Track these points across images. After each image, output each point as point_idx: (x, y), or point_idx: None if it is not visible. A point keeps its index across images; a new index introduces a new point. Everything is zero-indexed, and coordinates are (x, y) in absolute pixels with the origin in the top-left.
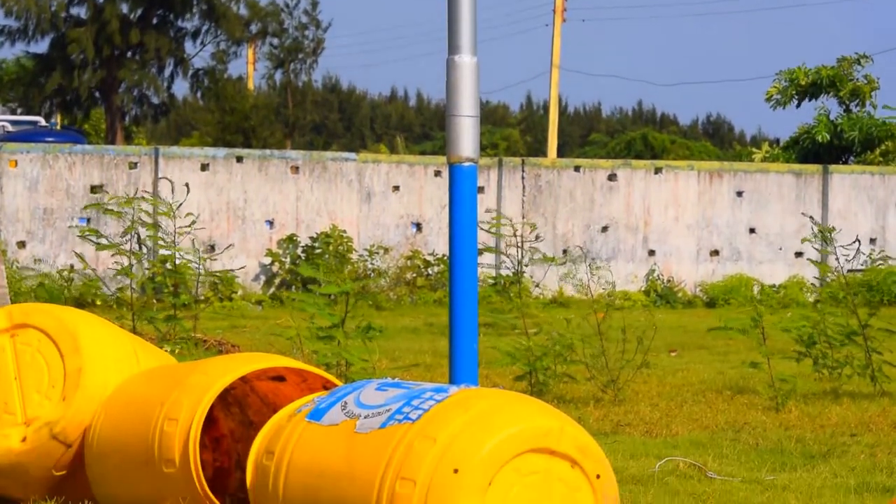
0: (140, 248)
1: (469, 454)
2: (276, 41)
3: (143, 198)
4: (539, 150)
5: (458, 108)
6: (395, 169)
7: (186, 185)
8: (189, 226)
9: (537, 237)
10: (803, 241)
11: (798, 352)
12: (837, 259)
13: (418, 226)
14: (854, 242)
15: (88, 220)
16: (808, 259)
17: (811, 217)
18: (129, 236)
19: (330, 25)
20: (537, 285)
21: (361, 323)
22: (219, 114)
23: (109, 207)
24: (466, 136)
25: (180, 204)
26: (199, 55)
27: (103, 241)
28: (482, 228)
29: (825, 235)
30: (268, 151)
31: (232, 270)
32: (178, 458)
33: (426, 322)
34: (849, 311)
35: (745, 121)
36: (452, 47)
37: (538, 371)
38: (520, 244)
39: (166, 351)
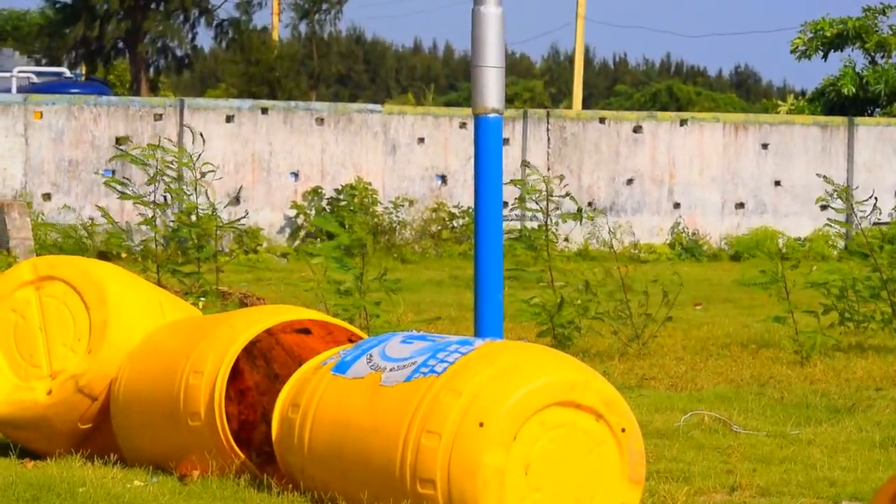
0: (164, 199)
1: (494, 408)
2: None
3: (165, 148)
4: (564, 102)
5: (483, 59)
6: (420, 121)
7: (201, 134)
8: (204, 175)
9: (568, 194)
10: (817, 201)
11: (825, 305)
12: (856, 216)
13: (443, 178)
14: (871, 198)
15: (113, 173)
16: (828, 219)
17: (825, 177)
18: (153, 187)
19: None
20: (566, 239)
21: (382, 275)
22: (243, 65)
23: (135, 156)
24: (492, 86)
25: (199, 154)
26: (224, 6)
27: (128, 191)
28: (513, 184)
29: (846, 195)
30: (293, 103)
31: (240, 220)
32: (204, 411)
33: (451, 275)
34: (872, 266)
35: (772, 72)
36: None
37: (557, 326)
38: (546, 197)
39: (191, 304)
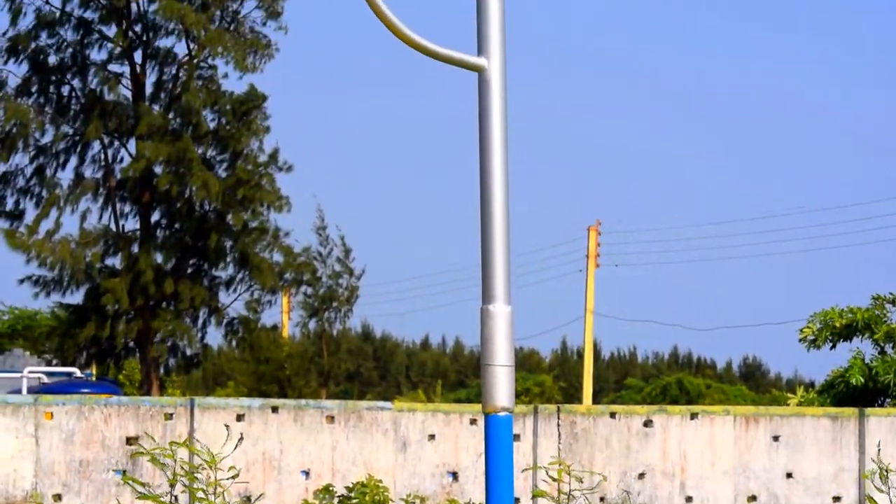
0: (175, 499)
1: None
2: (310, 290)
3: (190, 447)
4: (574, 395)
5: (492, 358)
6: (430, 418)
7: (227, 426)
8: (230, 478)
9: (591, 488)
10: None
11: None
12: None
13: (454, 475)
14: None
15: (124, 472)
16: None
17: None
18: (172, 487)
19: (364, 273)
20: None
21: None
22: (253, 364)
23: (150, 454)
24: (501, 385)
25: (222, 456)
26: (233, 305)
27: (145, 490)
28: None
29: (882, 474)
30: (303, 401)
31: None
32: None
33: None
34: None
35: (781, 363)
36: (486, 297)
37: None
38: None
39: None
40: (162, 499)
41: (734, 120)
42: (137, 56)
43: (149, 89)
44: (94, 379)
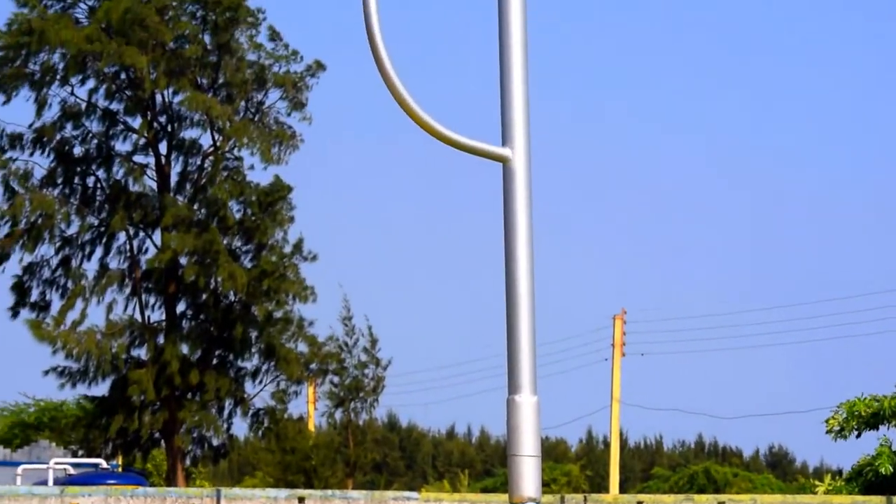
0: None
1: None
2: (336, 380)
3: None
4: (601, 484)
5: (519, 448)
6: None
7: None
8: None
9: None
10: None
11: None
12: None
13: None
14: None
15: None
16: None
17: None
18: None
19: (390, 363)
20: None
21: None
22: (279, 454)
23: None
24: (529, 475)
25: None
26: (259, 395)
27: None
28: None
29: None
30: (329, 492)
31: None
32: None
33: None
34: None
35: (808, 450)
36: (513, 387)
37: None
38: None
39: None
40: None
41: (758, 207)
42: (162, 147)
43: (174, 180)
44: (120, 470)
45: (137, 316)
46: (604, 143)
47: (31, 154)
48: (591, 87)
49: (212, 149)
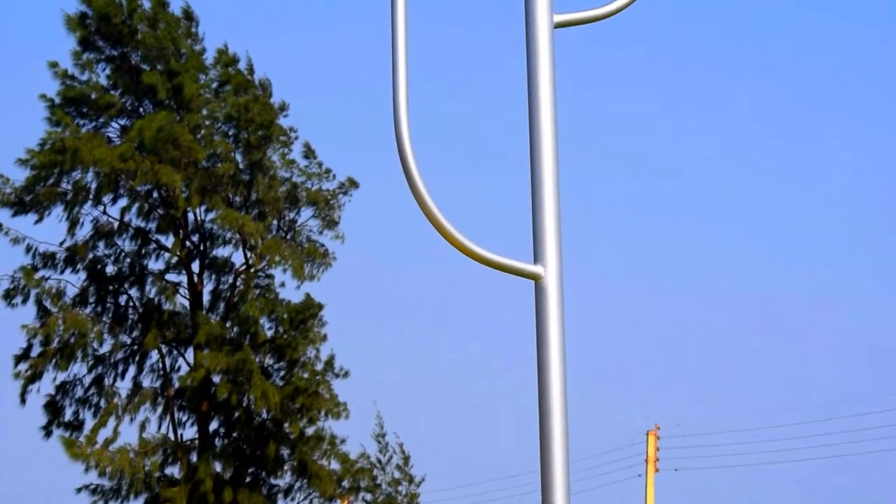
0: None
1: None
2: (369, 497)
3: None
4: None
5: None
6: None
7: None
8: None
9: None
10: None
11: None
12: None
13: None
14: None
15: None
16: None
17: None
18: None
19: (423, 480)
20: None
21: None
22: None
23: None
24: None
25: None
26: None
27: None
28: None
29: None
30: None
31: None
32: None
33: None
34: None
35: None
36: (546, 503)
37: None
38: None
39: None
40: None
41: (792, 320)
42: (195, 265)
43: (206, 298)
44: None
45: (170, 434)
46: (634, 259)
47: (63, 272)
48: (622, 209)
49: (244, 267)
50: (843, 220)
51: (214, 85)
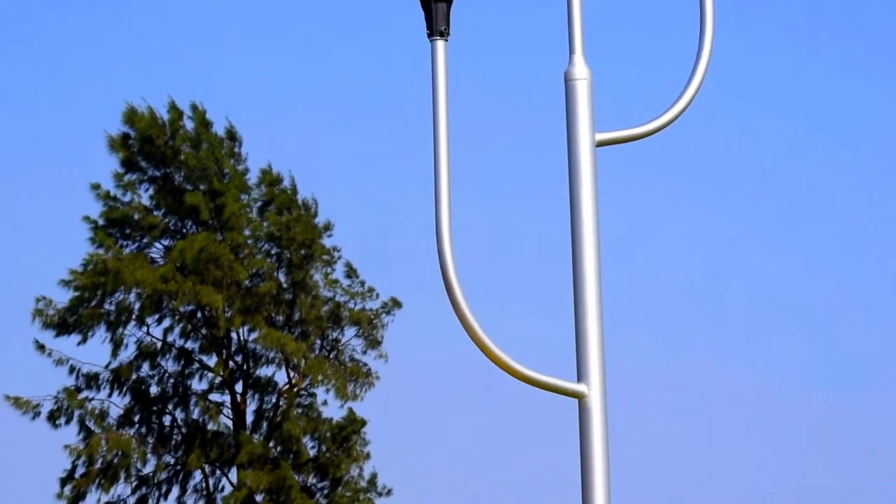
0: None
1: None
2: None
3: None
4: None
5: None
6: None
7: None
8: None
9: None
10: None
11: None
12: None
13: None
14: None
15: None
16: None
17: None
18: None
19: None
20: None
21: None
22: None
23: None
24: None
25: None
26: None
27: None
28: None
29: None
30: None
31: None
32: None
33: None
34: None
35: None
36: None
37: None
38: None
39: None
40: None
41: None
42: (238, 385)
43: (249, 417)
44: None
45: None
46: (670, 377)
47: (109, 394)
48: (664, 321)
49: (286, 386)
50: None
51: (258, 204)
